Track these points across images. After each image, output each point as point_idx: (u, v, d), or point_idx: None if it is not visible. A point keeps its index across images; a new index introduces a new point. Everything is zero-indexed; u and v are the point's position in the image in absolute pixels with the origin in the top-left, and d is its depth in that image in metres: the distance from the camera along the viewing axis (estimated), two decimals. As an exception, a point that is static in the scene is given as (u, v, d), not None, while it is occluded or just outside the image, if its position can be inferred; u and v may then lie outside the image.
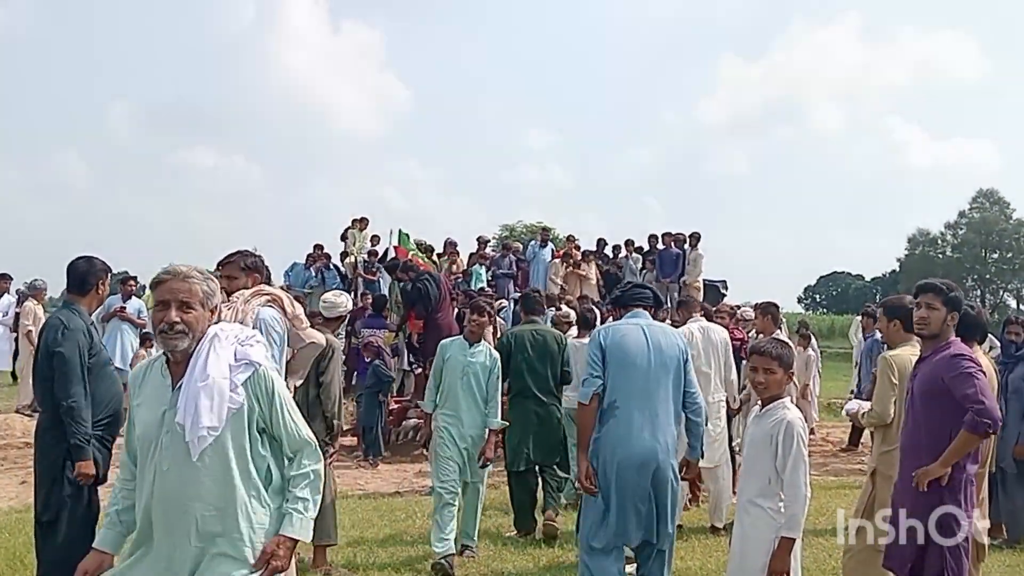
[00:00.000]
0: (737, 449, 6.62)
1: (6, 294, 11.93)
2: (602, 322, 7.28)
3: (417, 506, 7.01)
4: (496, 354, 5.74)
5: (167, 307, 2.49)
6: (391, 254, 14.10)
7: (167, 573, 2.47)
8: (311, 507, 2.58)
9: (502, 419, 5.72)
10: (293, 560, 2.92)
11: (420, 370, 10.57)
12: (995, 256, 49.07)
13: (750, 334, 8.61)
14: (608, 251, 15.48)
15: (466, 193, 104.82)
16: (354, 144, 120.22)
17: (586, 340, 5.76)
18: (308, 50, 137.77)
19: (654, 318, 4.46)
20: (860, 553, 4.11)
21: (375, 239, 14.91)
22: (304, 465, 2.59)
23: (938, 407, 3.56)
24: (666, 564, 4.16)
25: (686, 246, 14.11)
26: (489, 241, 17.88)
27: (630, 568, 4.35)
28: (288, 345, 4.16)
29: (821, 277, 71.39)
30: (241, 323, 3.78)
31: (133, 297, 11.21)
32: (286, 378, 4.23)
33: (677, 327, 6.11)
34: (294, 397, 4.56)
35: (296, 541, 2.56)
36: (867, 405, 4.46)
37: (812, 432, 10.50)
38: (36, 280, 11.01)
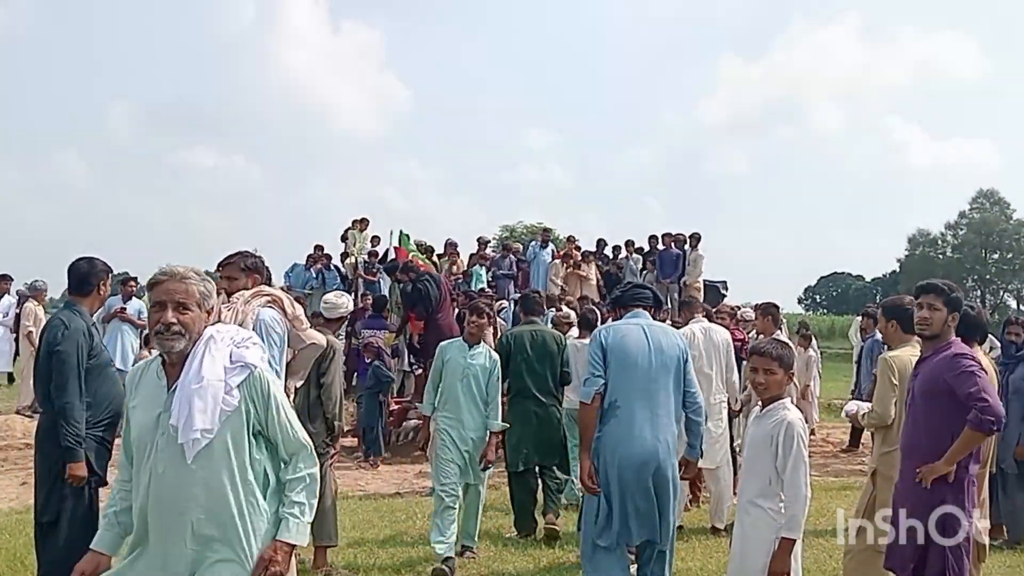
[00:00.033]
0: (739, 450, 6.61)
1: (6, 295, 11.94)
2: (603, 323, 7.28)
3: (417, 507, 7.00)
4: (496, 356, 5.71)
5: (164, 308, 2.48)
6: (391, 255, 14.11)
7: (163, 575, 2.46)
8: (307, 511, 2.57)
9: (502, 420, 5.71)
10: (294, 561, 2.93)
11: (420, 371, 10.56)
12: (995, 257, 49.07)
13: (750, 335, 8.60)
14: (608, 251, 15.48)
15: (466, 193, 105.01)
16: (354, 144, 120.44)
17: (587, 341, 5.75)
18: (308, 50, 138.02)
19: (653, 319, 4.47)
20: (860, 554, 4.11)
21: (375, 240, 14.92)
22: (300, 469, 2.58)
23: (938, 407, 3.56)
24: (667, 564, 4.16)
25: (686, 247, 14.11)
26: (489, 242, 17.87)
27: (631, 568, 4.35)
28: (289, 346, 4.16)
29: (821, 278, 71.47)
30: (241, 324, 3.78)
31: (133, 298, 11.20)
32: (287, 379, 4.23)
33: (679, 328, 6.11)
34: (295, 398, 4.59)
35: (293, 546, 2.55)
36: (866, 406, 4.46)
37: (812, 433, 10.49)
38: (36, 281, 11.01)
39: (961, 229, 49.73)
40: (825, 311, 62.20)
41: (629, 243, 15.12)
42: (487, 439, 5.51)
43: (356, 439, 10.05)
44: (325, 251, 14.74)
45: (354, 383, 10.79)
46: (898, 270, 52.89)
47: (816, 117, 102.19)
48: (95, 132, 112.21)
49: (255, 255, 4.35)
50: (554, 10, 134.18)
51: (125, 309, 10.73)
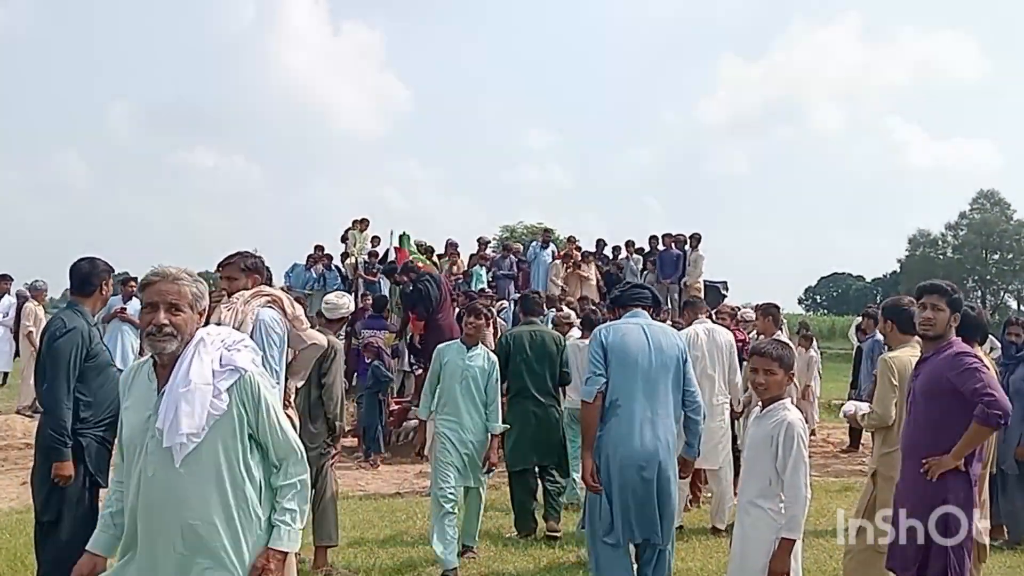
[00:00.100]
0: (741, 451, 6.61)
1: (6, 295, 11.93)
2: (603, 323, 7.27)
3: (418, 507, 7.00)
4: (494, 357, 5.67)
5: (156, 309, 2.45)
6: (391, 255, 14.11)
7: None
8: (299, 518, 2.54)
9: (501, 420, 5.68)
10: (294, 561, 2.92)
11: (420, 371, 10.55)
12: (996, 257, 49.10)
13: (751, 335, 8.60)
14: (608, 252, 15.47)
15: (466, 193, 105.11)
16: (354, 144, 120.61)
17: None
18: (308, 50, 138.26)
19: (653, 318, 4.47)
20: (860, 554, 4.12)
21: (375, 240, 14.93)
22: (291, 475, 2.55)
23: (940, 407, 3.57)
24: (667, 564, 4.17)
25: (686, 247, 14.10)
26: (490, 242, 17.86)
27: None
28: (289, 346, 4.15)
29: (821, 278, 71.56)
30: (241, 324, 3.78)
31: (134, 298, 11.19)
32: (288, 379, 4.23)
33: (681, 329, 6.11)
34: (296, 399, 4.59)
35: (286, 554, 2.52)
36: (864, 407, 4.46)
37: (813, 433, 10.50)
38: (37, 281, 11.01)
39: (961, 229, 49.78)
40: (825, 311, 62.27)
41: (629, 243, 15.10)
42: (488, 441, 5.47)
43: (356, 439, 10.06)
44: (325, 251, 14.73)
45: (354, 383, 10.80)
46: (898, 270, 52.97)
47: (816, 117, 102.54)
48: (95, 132, 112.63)
49: (255, 255, 4.34)
50: (554, 10, 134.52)
51: (126, 309, 10.72)
